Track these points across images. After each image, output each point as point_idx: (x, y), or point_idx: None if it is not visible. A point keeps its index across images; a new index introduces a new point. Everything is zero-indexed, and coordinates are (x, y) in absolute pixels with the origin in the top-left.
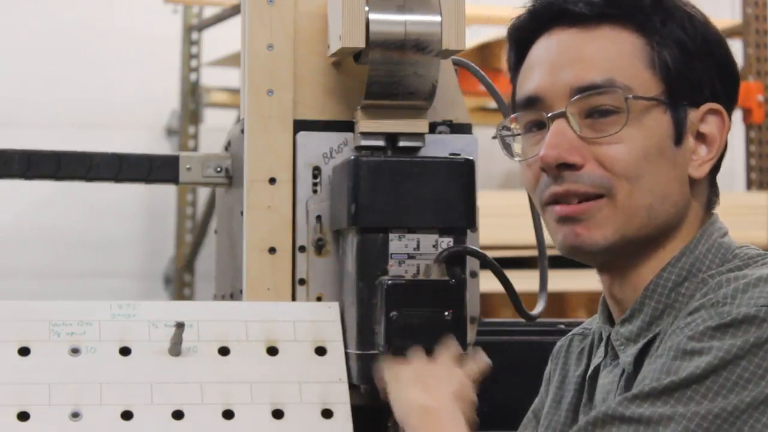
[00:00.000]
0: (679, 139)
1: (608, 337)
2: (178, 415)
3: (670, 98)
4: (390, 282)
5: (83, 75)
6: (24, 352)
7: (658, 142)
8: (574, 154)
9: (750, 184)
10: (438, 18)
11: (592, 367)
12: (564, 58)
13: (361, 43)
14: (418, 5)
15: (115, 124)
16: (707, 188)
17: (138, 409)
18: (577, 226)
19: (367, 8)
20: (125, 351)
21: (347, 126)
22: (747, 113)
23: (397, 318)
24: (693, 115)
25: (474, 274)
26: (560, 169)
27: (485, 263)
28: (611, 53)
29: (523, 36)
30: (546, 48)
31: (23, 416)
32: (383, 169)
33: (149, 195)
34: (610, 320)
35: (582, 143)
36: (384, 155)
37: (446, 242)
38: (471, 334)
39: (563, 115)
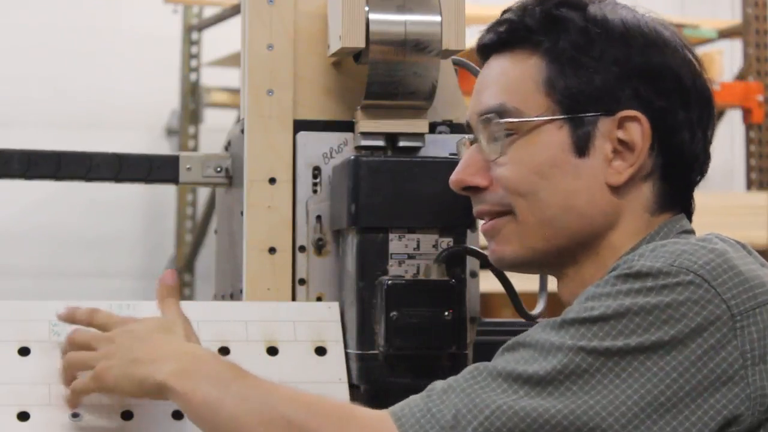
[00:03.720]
0: (582, 150)
1: None
2: (178, 414)
3: (567, 113)
4: (390, 282)
5: (83, 75)
6: (24, 352)
7: (552, 157)
8: (478, 176)
9: (750, 184)
10: (438, 18)
11: None
12: (480, 85)
13: (361, 43)
14: (418, 5)
15: (115, 124)
16: (652, 191)
17: (138, 409)
18: (491, 242)
19: (367, 8)
20: None
21: (347, 126)
22: (747, 113)
23: (397, 318)
24: (605, 124)
25: (474, 274)
26: (468, 191)
27: (485, 263)
28: (507, 78)
29: (482, 60)
30: (479, 75)
31: (23, 416)
32: (383, 169)
33: (149, 195)
34: None
35: (488, 165)
36: (384, 155)
37: (446, 242)
38: (471, 334)
39: (477, 139)
